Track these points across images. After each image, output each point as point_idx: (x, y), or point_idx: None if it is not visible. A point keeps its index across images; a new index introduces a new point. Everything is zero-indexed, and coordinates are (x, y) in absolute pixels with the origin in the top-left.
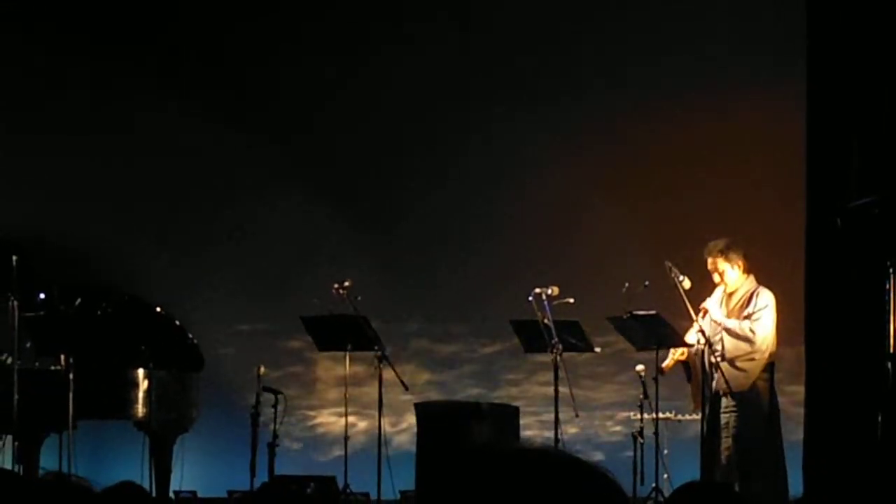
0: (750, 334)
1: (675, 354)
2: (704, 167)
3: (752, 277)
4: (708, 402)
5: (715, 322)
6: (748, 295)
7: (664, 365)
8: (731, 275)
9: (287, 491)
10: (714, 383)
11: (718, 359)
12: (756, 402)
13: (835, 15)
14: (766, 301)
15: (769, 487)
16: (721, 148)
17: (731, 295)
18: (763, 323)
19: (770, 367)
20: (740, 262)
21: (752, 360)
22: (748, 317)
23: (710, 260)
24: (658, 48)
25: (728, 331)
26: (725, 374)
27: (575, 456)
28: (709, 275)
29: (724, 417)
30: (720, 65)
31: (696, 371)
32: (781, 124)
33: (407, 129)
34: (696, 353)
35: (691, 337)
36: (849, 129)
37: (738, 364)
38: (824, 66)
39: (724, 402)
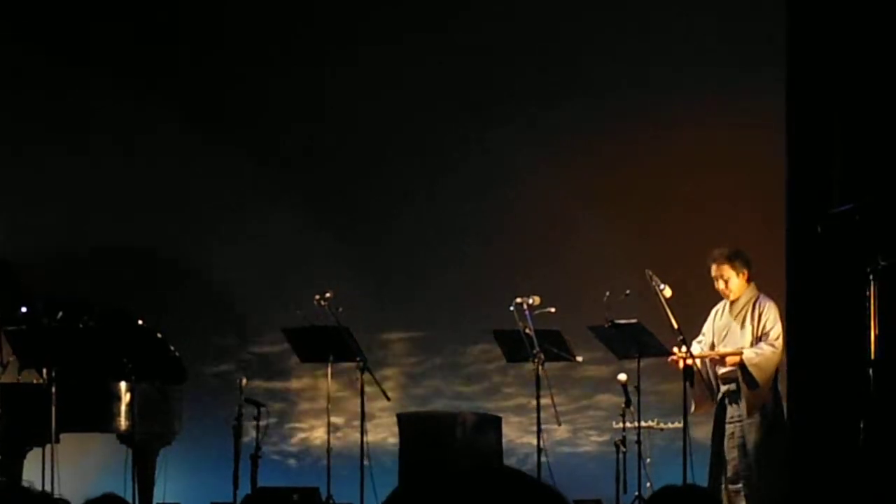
0: (772, 351)
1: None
2: (687, 178)
3: (753, 285)
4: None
5: (751, 365)
6: (751, 303)
7: (693, 412)
8: (735, 282)
9: (270, 502)
10: (719, 393)
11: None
12: (762, 411)
13: (815, 23)
14: (770, 311)
15: (776, 493)
16: (703, 159)
17: (733, 303)
18: (776, 329)
19: (775, 373)
20: (745, 271)
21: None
22: (760, 338)
23: (714, 266)
24: (643, 61)
25: (759, 366)
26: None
27: (519, 470)
28: (688, 284)
29: (729, 428)
30: (702, 77)
31: (702, 372)
32: (764, 136)
33: (391, 140)
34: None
35: (696, 349)
36: (829, 136)
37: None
38: (804, 74)
39: (730, 411)
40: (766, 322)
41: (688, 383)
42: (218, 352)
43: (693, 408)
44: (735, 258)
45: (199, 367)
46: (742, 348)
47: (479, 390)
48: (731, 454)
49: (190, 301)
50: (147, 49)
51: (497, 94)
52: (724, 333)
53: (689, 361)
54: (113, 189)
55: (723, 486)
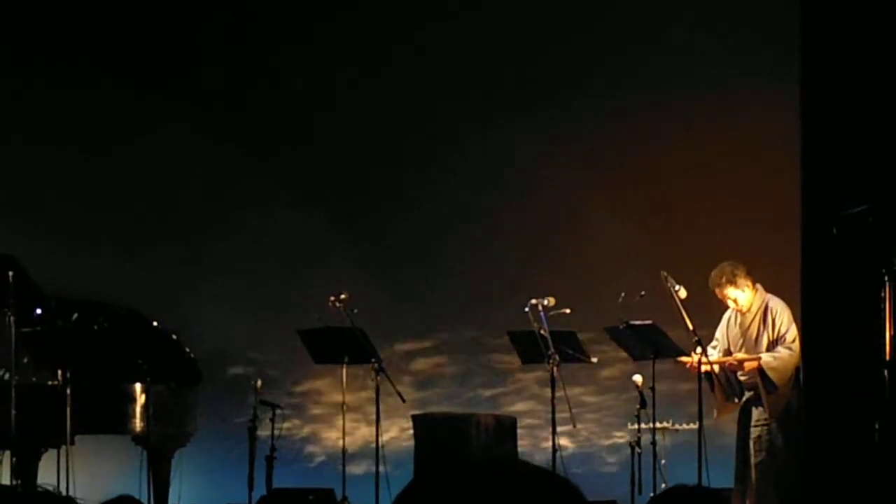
0: (789, 353)
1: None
2: (702, 178)
3: (759, 289)
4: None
5: (769, 369)
6: (762, 310)
7: (716, 417)
8: (743, 297)
9: None
10: (743, 396)
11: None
12: (786, 413)
13: (829, 22)
14: (782, 314)
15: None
16: (718, 160)
17: (744, 312)
18: (791, 332)
19: (797, 372)
20: (748, 283)
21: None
22: (776, 342)
23: (718, 291)
24: (656, 61)
25: (777, 369)
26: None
27: (539, 466)
28: (702, 285)
29: (754, 431)
30: (717, 77)
31: (720, 379)
32: (778, 136)
33: (403, 140)
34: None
35: (713, 354)
36: (843, 136)
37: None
38: (818, 74)
39: (755, 414)
40: (780, 326)
41: (707, 386)
42: (232, 353)
43: (716, 414)
44: (735, 278)
45: (213, 369)
46: (760, 354)
47: (494, 392)
48: (759, 457)
49: (204, 303)
50: (155, 49)
51: (509, 95)
52: (739, 343)
53: (706, 368)
54: (119, 189)
55: (749, 488)
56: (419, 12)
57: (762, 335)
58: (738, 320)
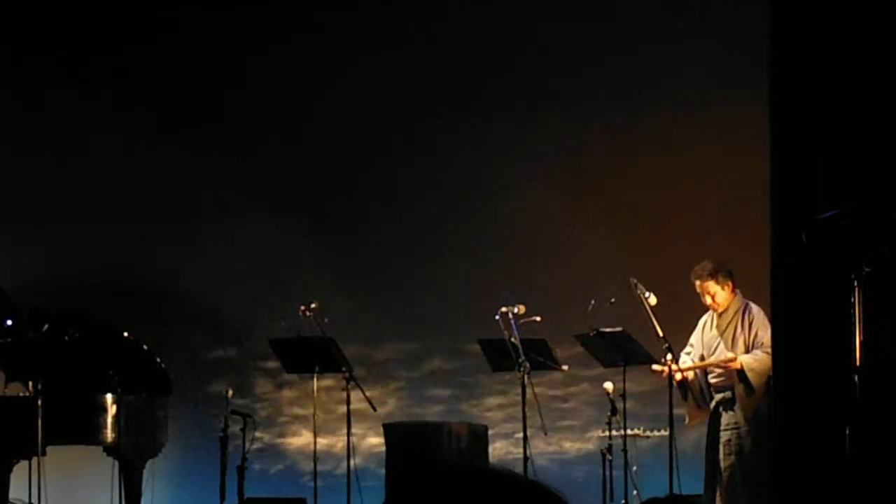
0: (768, 357)
1: (690, 403)
2: (671, 187)
3: (738, 294)
4: (708, 417)
5: (749, 370)
6: (739, 313)
7: (687, 423)
8: (722, 295)
9: None
10: (713, 401)
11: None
12: (756, 417)
13: (797, 28)
14: (759, 318)
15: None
16: (687, 167)
17: (721, 314)
18: (769, 336)
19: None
20: (729, 283)
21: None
22: (752, 346)
23: (698, 284)
24: (631, 72)
25: (756, 371)
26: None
27: (516, 472)
28: (673, 292)
29: (724, 435)
30: (689, 87)
31: (694, 386)
32: (747, 144)
33: (377, 149)
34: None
35: (686, 360)
36: (813, 141)
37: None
38: (786, 80)
39: (725, 418)
40: (757, 329)
41: (680, 393)
42: (204, 363)
43: (687, 420)
44: (717, 273)
45: (184, 379)
46: (737, 355)
47: (465, 400)
48: (728, 461)
49: (174, 312)
50: (126, 59)
51: (483, 104)
52: (714, 345)
53: (679, 376)
54: (93, 203)
55: (718, 493)
56: (396, 19)
57: (738, 338)
58: (715, 322)
